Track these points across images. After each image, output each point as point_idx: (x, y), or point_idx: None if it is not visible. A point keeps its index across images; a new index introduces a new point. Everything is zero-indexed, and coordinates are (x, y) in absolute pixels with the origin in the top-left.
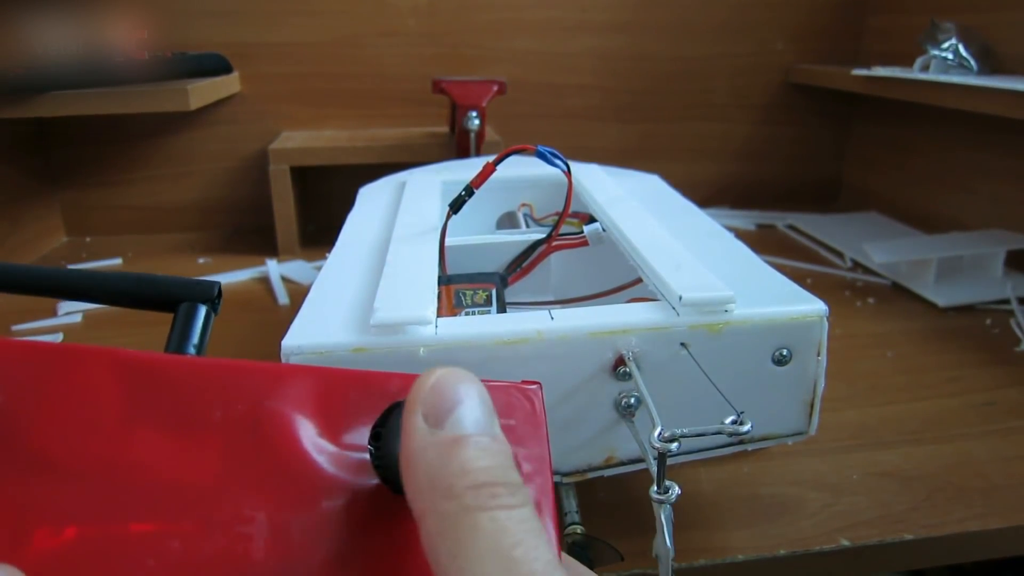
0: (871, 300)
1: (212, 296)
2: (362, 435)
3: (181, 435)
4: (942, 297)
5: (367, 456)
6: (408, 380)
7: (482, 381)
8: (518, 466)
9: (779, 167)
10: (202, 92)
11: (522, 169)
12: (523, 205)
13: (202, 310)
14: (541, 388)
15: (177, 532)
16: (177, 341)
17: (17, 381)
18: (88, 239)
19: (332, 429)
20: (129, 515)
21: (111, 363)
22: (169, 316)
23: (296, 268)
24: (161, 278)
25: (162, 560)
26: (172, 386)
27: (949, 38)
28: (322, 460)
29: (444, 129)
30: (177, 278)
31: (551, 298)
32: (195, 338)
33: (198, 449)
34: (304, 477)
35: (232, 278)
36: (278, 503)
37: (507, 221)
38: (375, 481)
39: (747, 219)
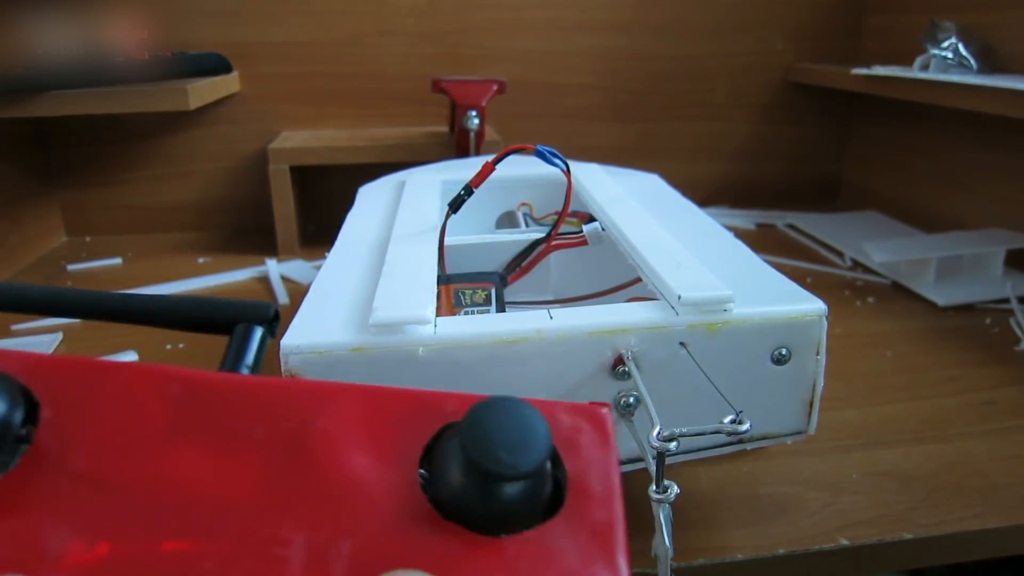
0: (871, 299)
1: (268, 317)
2: (412, 457)
3: (222, 453)
4: (942, 296)
5: (417, 479)
6: (465, 401)
7: (552, 403)
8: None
9: (779, 166)
10: (202, 92)
11: (521, 168)
12: (522, 204)
13: (258, 332)
14: (611, 410)
15: (210, 552)
16: (232, 361)
17: (65, 396)
18: (88, 239)
19: (380, 450)
20: (163, 533)
21: (157, 380)
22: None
23: (296, 268)
24: (218, 301)
25: None
26: (217, 403)
27: (949, 37)
28: (368, 483)
29: (444, 128)
30: (234, 300)
31: (550, 297)
32: (249, 359)
33: (238, 468)
34: (348, 500)
35: (232, 278)
36: (318, 526)
37: (506, 220)
38: (425, 506)
39: (747, 218)
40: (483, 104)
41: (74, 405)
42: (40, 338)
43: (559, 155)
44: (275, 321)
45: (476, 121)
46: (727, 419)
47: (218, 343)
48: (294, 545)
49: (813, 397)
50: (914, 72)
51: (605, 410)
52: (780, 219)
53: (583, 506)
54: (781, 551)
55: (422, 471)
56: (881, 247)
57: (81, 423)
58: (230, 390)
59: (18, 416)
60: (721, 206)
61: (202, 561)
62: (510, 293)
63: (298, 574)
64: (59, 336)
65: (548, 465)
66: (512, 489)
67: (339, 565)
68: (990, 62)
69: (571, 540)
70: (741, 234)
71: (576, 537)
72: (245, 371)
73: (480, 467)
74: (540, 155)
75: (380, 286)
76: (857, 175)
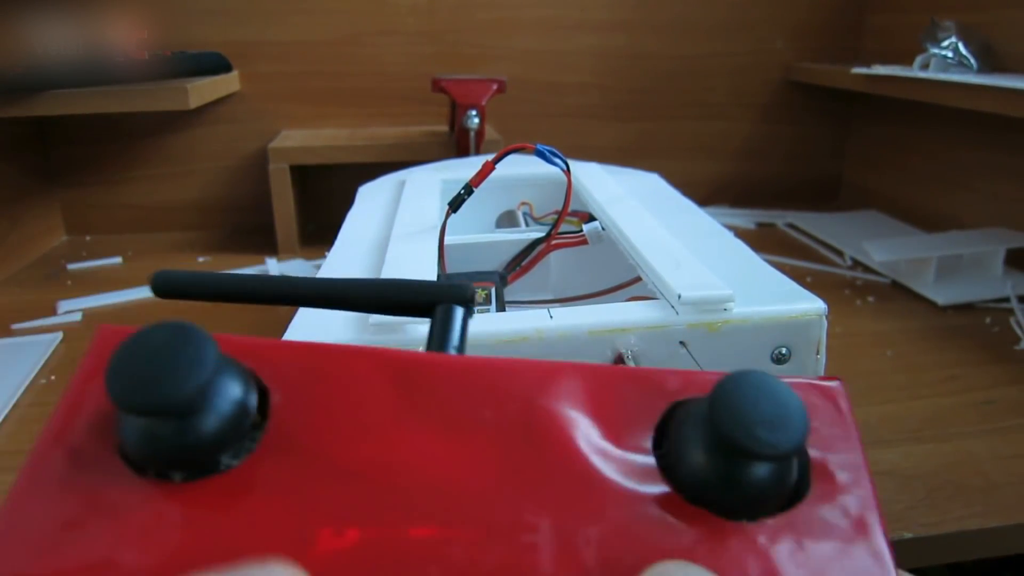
0: (871, 299)
1: (468, 297)
2: (643, 438)
3: (453, 436)
4: (942, 295)
5: (651, 461)
6: (689, 377)
7: (780, 377)
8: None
9: (779, 166)
10: (201, 91)
11: (521, 168)
12: (522, 204)
13: (459, 311)
14: (844, 384)
15: (457, 538)
16: (438, 342)
17: (292, 380)
18: (88, 238)
19: (611, 431)
20: (408, 519)
21: (380, 362)
22: (183, 310)
23: (296, 267)
24: (418, 284)
25: (445, 568)
26: (440, 385)
27: (949, 36)
28: (604, 465)
29: (444, 128)
30: (433, 283)
31: (550, 297)
32: (455, 339)
33: (471, 451)
34: (586, 483)
35: None
36: (562, 511)
37: (506, 220)
38: (665, 489)
39: (747, 218)
40: (483, 103)
41: (302, 390)
42: (40, 337)
43: (559, 154)
44: (473, 301)
45: (476, 120)
46: None
47: (228, 330)
48: (541, 531)
49: None
50: (914, 71)
51: (837, 384)
52: (780, 218)
53: (831, 489)
54: None
55: (656, 452)
56: (881, 246)
57: (311, 408)
58: (450, 371)
59: (253, 400)
60: (721, 205)
61: (450, 547)
62: (510, 292)
63: (549, 561)
64: (59, 335)
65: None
66: (765, 471)
67: (589, 552)
68: (990, 61)
69: (824, 525)
70: (741, 233)
71: (829, 522)
72: (452, 351)
73: (737, 446)
74: (540, 154)
75: None
76: (857, 174)
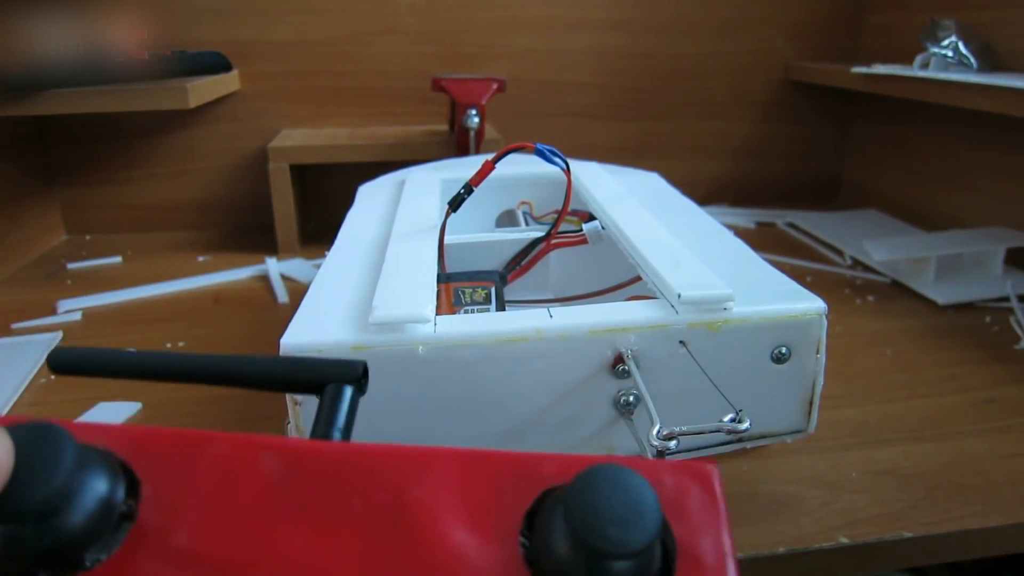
0: (871, 298)
1: (358, 376)
2: (513, 525)
3: (323, 529)
4: (942, 295)
5: (518, 551)
6: (564, 464)
7: (655, 462)
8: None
9: (779, 165)
10: (201, 90)
11: (521, 167)
12: (522, 203)
13: (348, 392)
14: (718, 467)
15: None
16: (324, 425)
17: (165, 471)
18: (88, 237)
19: (480, 519)
20: None
21: (253, 451)
22: (182, 309)
23: (296, 266)
24: (306, 362)
25: None
26: (313, 474)
27: (949, 36)
28: (469, 556)
29: (444, 127)
30: (321, 360)
31: (550, 296)
32: (340, 421)
33: (339, 545)
34: (450, 573)
35: (232, 276)
36: None
37: (506, 219)
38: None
39: (747, 217)
40: (483, 103)
41: (173, 480)
42: (40, 337)
43: (559, 153)
44: (364, 378)
45: (476, 120)
46: (726, 418)
47: (219, 339)
48: None
49: (813, 396)
50: (914, 71)
51: (712, 468)
52: (780, 218)
53: (696, 573)
54: (781, 549)
55: (523, 539)
56: (881, 245)
57: (182, 499)
58: (325, 460)
59: (120, 495)
60: (721, 205)
61: None
62: (510, 292)
63: None
64: (59, 335)
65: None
66: (623, 564)
67: None
68: (990, 61)
69: None
70: (741, 233)
71: None
72: (337, 435)
73: (587, 544)
74: (540, 154)
75: (380, 285)
76: (857, 174)
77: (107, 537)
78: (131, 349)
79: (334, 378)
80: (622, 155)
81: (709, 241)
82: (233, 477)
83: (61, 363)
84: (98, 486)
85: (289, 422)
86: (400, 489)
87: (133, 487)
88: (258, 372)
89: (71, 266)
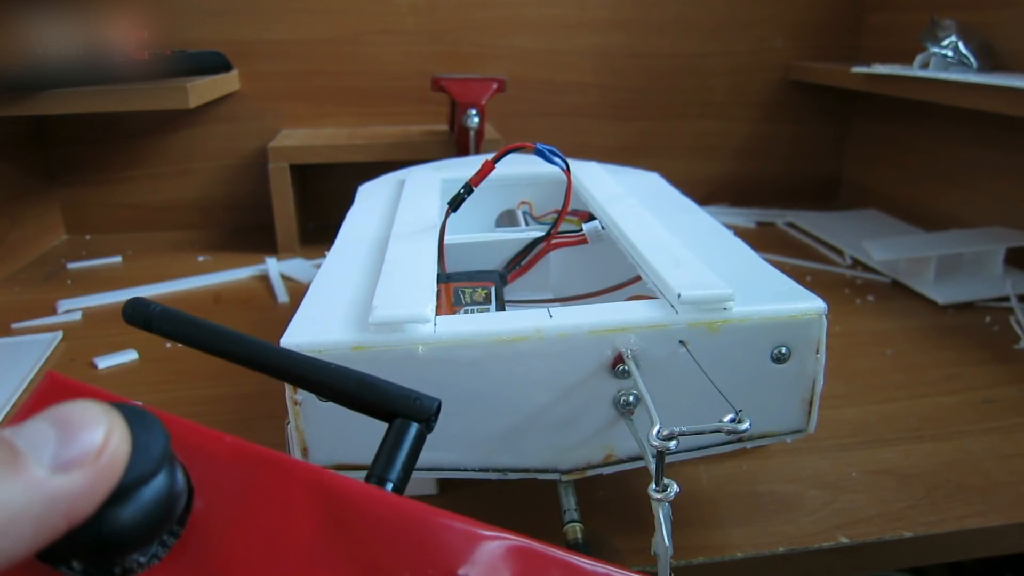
0: (871, 298)
1: (428, 415)
2: None
3: None
4: (942, 295)
5: None
6: None
7: None
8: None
9: (779, 165)
10: (201, 90)
11: (521, 167)
12: (522, 203)
13: (413, 430)
14: None
15: None
16: (383, 465)
17: (220, 485)
18: (88, 237)
19: None
20: None
21: (313, 484)
22: (182, 309)
23: (296, 266)
24: (382, 386)
25: None
26: (366, 526)
27: (949, 35)
28: None
29: (444, 127)
30: (396, 388)
31: (550, 296)
32: (399, 464)
33: None
34: None
35: (232, 276)
36: None
37: (506, 219)
38: None
39: (747, 217)
40: (483, 102)
41: (227, 498)
42: (40, 336)
43: (559, 153)
44: (435, 417)
45: (476, 119)
46: (727, 418)
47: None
48: None
49: (813, 396)
50: (914, 70)
51: None
52: (780, 217)
53: None
54: (781, 549)
55: None
56: (881, 245)
57: (231, 522)
58: (382, 515)
59: (182, 501)
60: (721, 204)
61: None
62: (510, 291)
63: None
64: (59, 334)
65: None
66: None
67: None
68: (990, 60)
69: None
70: (741, 232)
71: None
72: (395, 476)
73: None
74: (540, 153)
75: (380, 284)
76: (857, 173)
77: (156, 538)
78: (209, 322)
79: (404, 411)
80: (622, 155)
81: (709, 241)
82: (286, 508)
83: (137, 316)
84: (175, 485)
85: (289, 422)
86: (450, 571)
87: (189, 494)
88: (329, 383)
89: (71, 266)
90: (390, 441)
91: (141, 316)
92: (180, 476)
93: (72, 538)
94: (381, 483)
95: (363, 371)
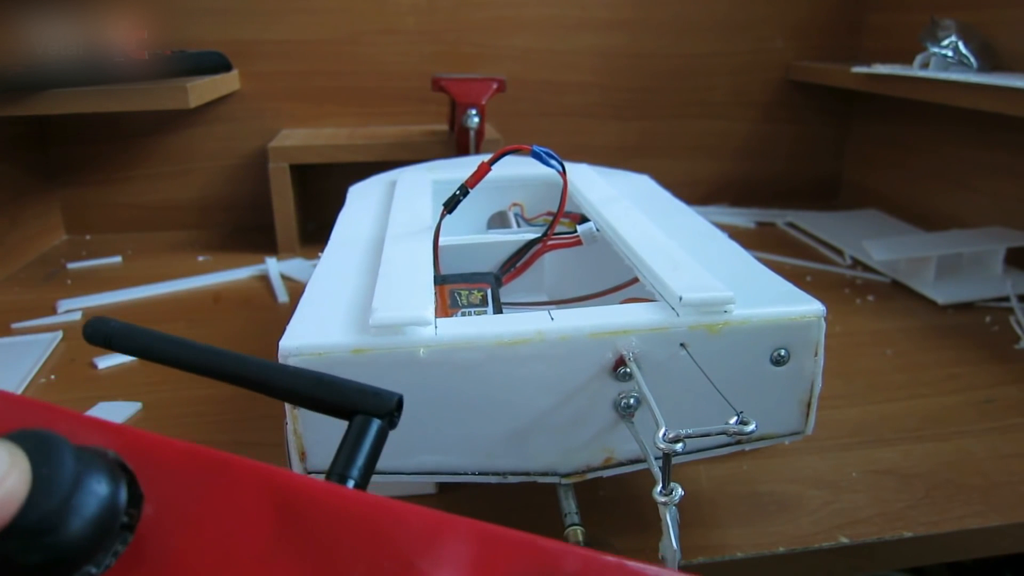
0: (871, 298)
1: (390, 409)
2: None
3: None
4: (942, 295)
5: None
6: (588, 560)
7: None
8: None
9: (779, 165)
10: (201, 90)
11: (512, 169)
12: (514, 205)
13: (375, 425)
14: None
15: None
16: (344, 462)
17: (171, 489)
18: (88, 237)
19: None
20: None
21: (267, 485)
22: (182, 309)
23: (296, 266)
24: (340, 384)
25: None
26: (323, 524)
27: (949, 35)
28: None
29: (444, 127)
30: (356, 386)
31: (545, 298)
32: (360, 460)
33: None
34: None
35: (232, 276)
36: None
37: (498, 221)
38: None
39: (747, 217)
40: (483, 102)
41: (178, 502)
42: (40, 336)
43: (555, 156)
44: (398, 411)
45: (476, 119)
46: (732, 420)
47: (219, 339)
48: None
49: (811, 398)
50: (914, 70)
51: None
52: (780, 217)
53: None
54: (781, 549)
55: None
56: (881, 245)
57: (182, 526)
58: (337, 510)
59: (122, 502)
60: (721, 204)
61: None
62: (504, 294)
63: None
64: (59, 334)
65: None
66: None
67: None
68: (990, 60)
69: None
70: (741, 232)
71: None
72: (356, 474)
73: None
74: (537, 156)
75: (378, 287)
76: (857, 173)
77: (105, 548)
78: (168, 334)
79: (365, 408)
80: (622, 155)
81: (703, 243)
82: (239, 512)
83: (96, 334)
84: (99, 495)
85: (287, 423)
86: (408, 562)
87: (136, 497)
88: (288, 385)
89: (71, 266)
90: (351, 438)
91: (101, 334)
92: (115, 478)
93: (15, 570)
94: (342, 480)
95: (361, 377)
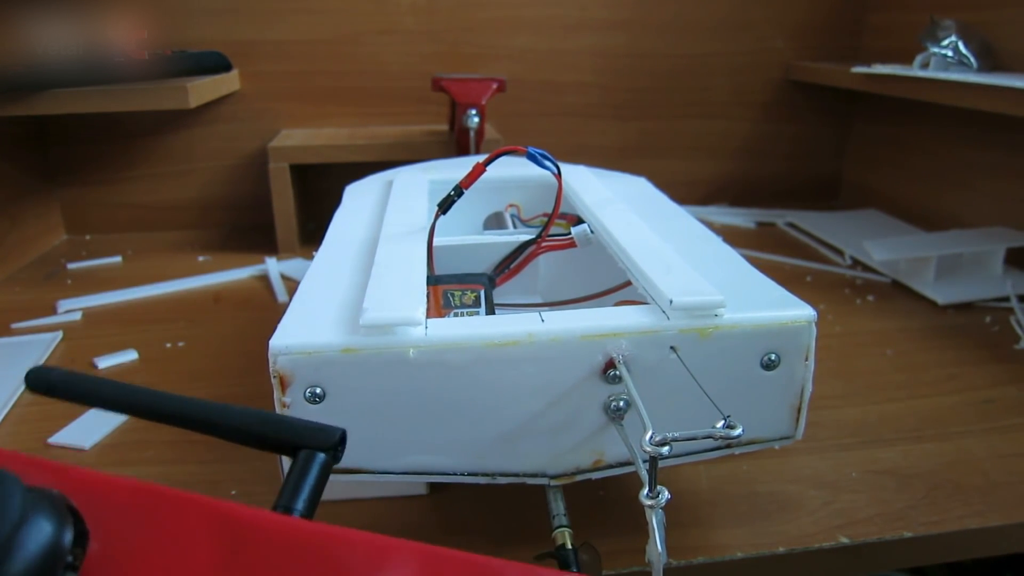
0: (871, 298)
1: (333, 443)
2: None
3: None
4: (942, 295)
5: None
6: (526, 572)
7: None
8: None
9: (779, 165)
10: (202, 90)
11: (509, 169)
12: (510, 206)
13: (319, 459)
14: None
15: None
16: (289, 495)
17: (116, 526)
18: (88, 237)
19: None
20: None
21: (212, 517)
22: (182, 309)
23: (295, 266)
24: (282, 421)
25: None
26: (268, 554)
27: (949, 35)
28: None
29: (444, 127)
30: (297, 422)
31: (538, 300)
32: (306, 492)
33: None
34: None
35: (232, 276)
36: None
37: (494, 222)
38: None
39: (747, 217)
40: (483, 103)
41: (124, 538)
42: (40, 336)
43: (550, 157)
44: (341, 445)
45: (476, 119)
46: (719, 423)
47: (219, 339)
48: None
49: (801, 402)
50: (914, 70)
51: None
52: (780, 217)
53: None
54: (781, 549)
55: None
56: (881, 245)
57: (128, 560)
58: (283, 540)
59: (67, 543)
60: (721, 204)
61: None
62: (498, 295)
63: None
64: (59, 334)
65: None
66: None
67: None
68: (990, 60)
69: None
70: (741, 232)
71: None
72: (301, 506)
73: None
74: (532, 157)
75: (370, 287)
76: (857, 173)
77: None
78: (112, 380)
79: (309, 442)
80: (622, 155)
81: (698, 246)
82: (184, 545)
83: (39, 383)
84: (44, 535)
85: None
86: None
87: (81, 537)
88: (232, 424)
89: (71, 266)
90: (296, 472)
91: (44, 383)
92: (61, 517)
93: None
94: (288, 512)
95: (351, 377)
